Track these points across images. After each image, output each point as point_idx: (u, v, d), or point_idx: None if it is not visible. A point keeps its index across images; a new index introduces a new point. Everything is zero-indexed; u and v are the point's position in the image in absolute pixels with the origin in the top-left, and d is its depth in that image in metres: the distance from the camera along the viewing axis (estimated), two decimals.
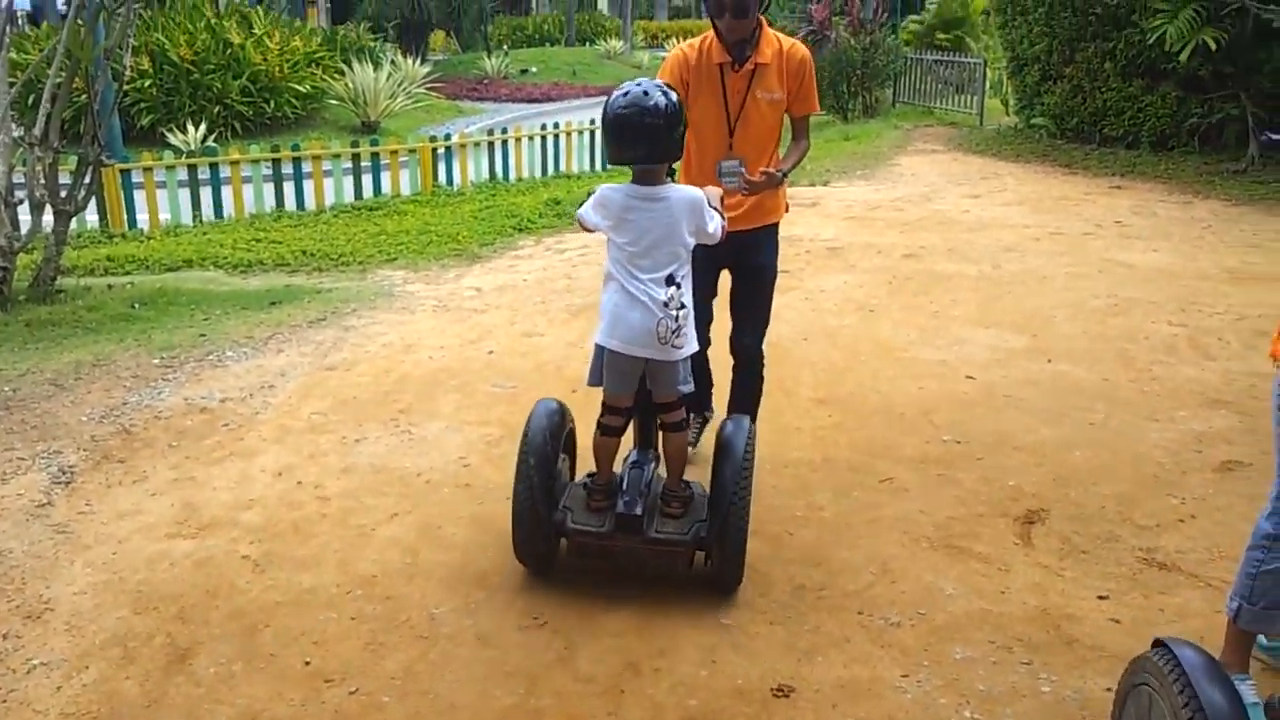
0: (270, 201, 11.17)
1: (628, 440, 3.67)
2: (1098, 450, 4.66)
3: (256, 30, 18.74)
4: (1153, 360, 5.83)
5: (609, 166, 14.35)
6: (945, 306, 6.93)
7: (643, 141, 3.22)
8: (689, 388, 3.48)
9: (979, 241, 8.86)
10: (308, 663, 3.13)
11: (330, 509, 4.12)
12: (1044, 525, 3.99)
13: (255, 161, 11.24)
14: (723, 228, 3.40)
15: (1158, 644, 2.38)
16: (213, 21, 18.44)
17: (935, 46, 21.23)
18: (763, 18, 3.88)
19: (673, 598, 3.47)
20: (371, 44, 23.09)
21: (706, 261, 3.84)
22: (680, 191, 3.34)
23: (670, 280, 3.28)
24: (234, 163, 11.01)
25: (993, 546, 3.83)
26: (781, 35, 4.02)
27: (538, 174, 13.64)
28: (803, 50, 4.02)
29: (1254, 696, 2.81)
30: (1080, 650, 3.20)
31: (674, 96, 3.24)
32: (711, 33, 3.91)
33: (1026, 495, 4.23)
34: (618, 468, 3.62)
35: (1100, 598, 3.49)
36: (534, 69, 31.43)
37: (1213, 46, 11.37)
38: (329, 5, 37.01)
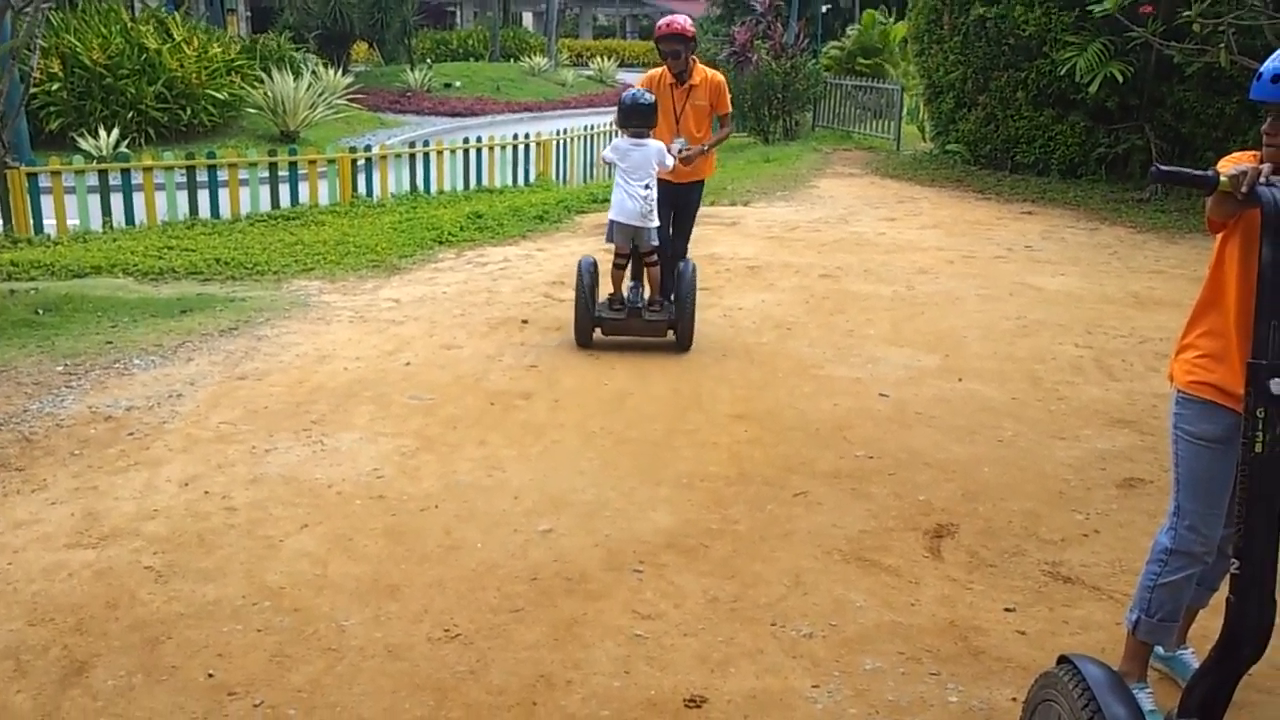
0: (184, 209, 10.94)
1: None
2: (1006, 467, 4.76)
3: (174, 36, 18.38)
4: (1060, 380, 5.98)
5: (531, 181, 14.38)
6: (860, 326, 7.04)
7: (638, 117, 6.17)
8: (656, 242, 6.33)
9: (894, 263, 9.02)
10: (211, 675, 3.05)
11: (237, 520, 4.03)
12: (953, 539, 4.06)
13: (169, 168, 11.01)
14: (674, 165, 6.25)
15: (1063, 659, 2.43)
16: (128, 26, 18.04)
17: (855, 72, 21.64)
18: (694, 58, 6.52)
19: (588, 611, 3.46)
20: (292, 53, 22.77)
21: (664, 206, 6.43)
22: (654, 142, 6.20)
23: (646, 186, 6.16)
24: (147, 169, 10.77)
25: (903, 560, 3.89)
26: (707, 68, 6.68)
27: (459, 187, 13.56)
28: (719, 76, 6.69)
29: (1151, 705, 2.90)
30: (987, 661, 3.25)
31: (652, 98, 6.25)
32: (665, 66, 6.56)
33: (937, 510, 4.30)
34: (625, 289, 6.52)
35: (1007, 610, 3.55)
36: (458, 83, 31.30)
37: (1119, 79, 11.76)
38: (249, 14, 36.50)
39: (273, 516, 4.07)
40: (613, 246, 6.39)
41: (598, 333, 6.48)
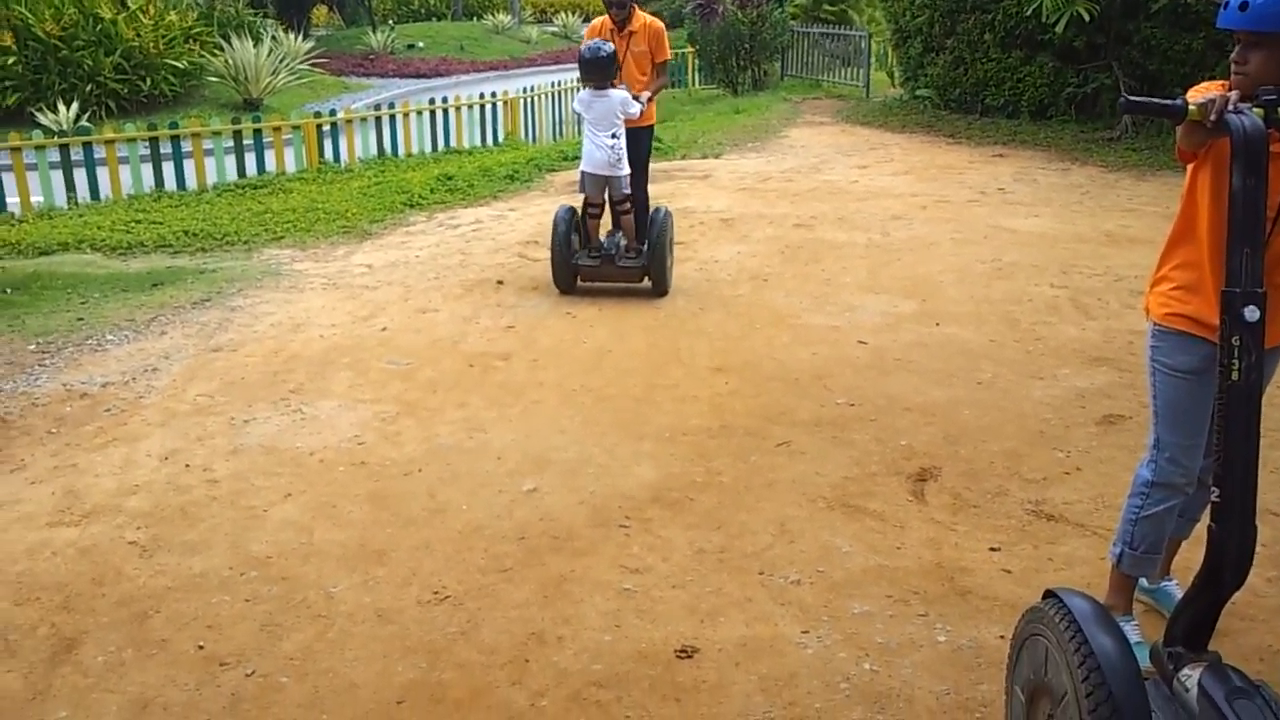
0: (149, 182, 10.76)
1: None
2: (986, 409, 4.79)
3: (129, 4, 18.01)
4: (1036, 321, 6.01)
5: (500, 140, 14.25)
6: (836, 274, 7.04)
7: (597, 69, 6.27)
8: (628, 190, 6.49)
9: (868, 210, 9.01)
10: (201, 647, 3.05)
11: (220, 491, 4.01)
12: (936, 482, 4.09)
13: (131, 140, 10.82)
14: (640, 111, 6.46)
15: (1049, 594, 2.45)
16: None
17: (821, 20, 21.48)
18: (634, 6, 6.70)
19: (575, 568, 3.47)
20: (251, 19, 22.35)
21: None
22: (616, 91, 6.36)
23: (613, 135, 6.33)
24: (109, 142, 10.58)
25: (887, 504, 3.91)
26: (646, 15, 6.85)
27: (428, 149, 13.41)
28: (658, 23, 6.88)
29: (1137, 636, 2.94)
30: (974, 601, 3.28)
31: (611, 48, 6.35)
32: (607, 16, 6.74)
33: (919, 454, 4.32)
34: (601, 237, 6.72)
35: (992, 550, 3.59)
36: (421, 44, 30.87)
37: (1086, 18, 11.72)
38: None
39: (255, 487, 4.06)
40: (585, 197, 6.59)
41: (578, 281, 6.68)
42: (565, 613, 3.22)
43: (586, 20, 43.77)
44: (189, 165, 11.00)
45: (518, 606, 3.26)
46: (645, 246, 6.61)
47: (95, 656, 3.01)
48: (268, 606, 3.26)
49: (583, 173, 6.50)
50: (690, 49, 21.39)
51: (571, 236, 6.56)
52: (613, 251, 6.64)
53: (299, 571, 3.46)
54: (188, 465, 4.24)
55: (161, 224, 9.02)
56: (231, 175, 11.33)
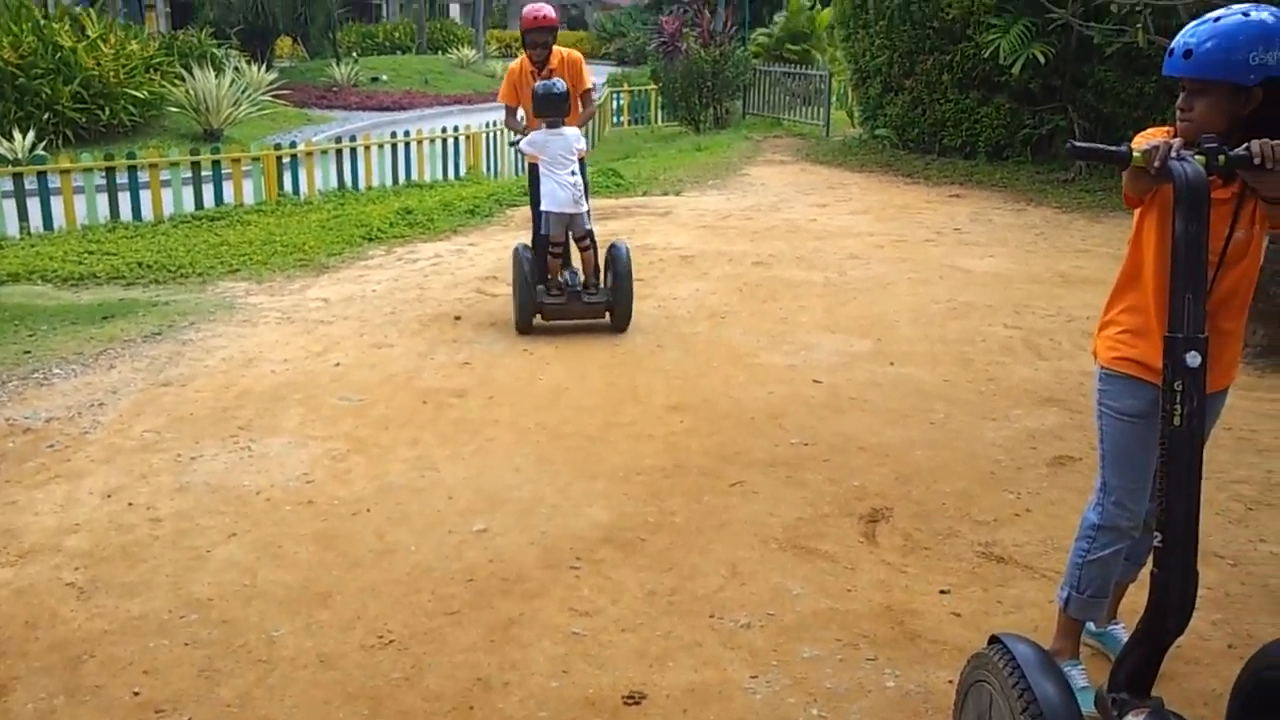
0: (105, 212, 10.65)
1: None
2: (938, 449, 4.80)
3: (90, 33, 17.89)
4: (989, 361, 6.05)
5: (462, 175, 14.24)
6: (793, 313, 7.06)
7: (553, 106, 6.28)
8: (589, 226, 6.57)
9: (826, 249, 9.07)
10: (136, 693, 2.97)
11: (163, 531, 3.94)
12: (888, 523, 4.08)
13: (88, 170, 10.70)
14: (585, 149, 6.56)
15: (994, 640, 2.44)
16: (40, 23, 17.51)
17: (783, 59, 21.70)
18: (554, 45, 6.69)
19: (524, 611, 3.43)
20: (214, 50, 22.25)
21: None
22: (569, 129, 6.39)
23: (572, 173, 6.34)
24: (65, 171, 10.46)
25: (839, 545, 3.90)
26: (562, 49, 6.73)
27: (388, 183, 13.37)
28: (575, 54, 6.81)
29: (1084, 681, 2.93)
30: (923, 644, 3.27)
31: (564, 86, 6.36)
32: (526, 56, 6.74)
33: (871, 494, 4.32)
34: (563, 275, 6.62)
35: (942, 592, 3.58)
36: (385, 77, 30.86)
37: (1042, 60, 11.92)
38: (169, 10, 35.66)
39: (199, 526, 3.98)
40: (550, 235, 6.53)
41: (537, 319, 6.58)
42: (512, 657, 3.18)
43: None
44: (145, 196, 10.89)
45: (464, 651, 3.21)
46: (603, 282, 6.62)
47: (25, 704, 2.92)
48: (207, 651, 3.18)
49: (545, 213, 6.42)
50: (653, 86, 21.53)
51: (535, 276, 6.50)
52: (578, 288, 6.60)
53: (240, 614, 3.39)
54: (131, 503, 4.16)
55: (115, 255, 8.92)
56: (189, 206, 11.23)
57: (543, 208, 6.44)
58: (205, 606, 3.43)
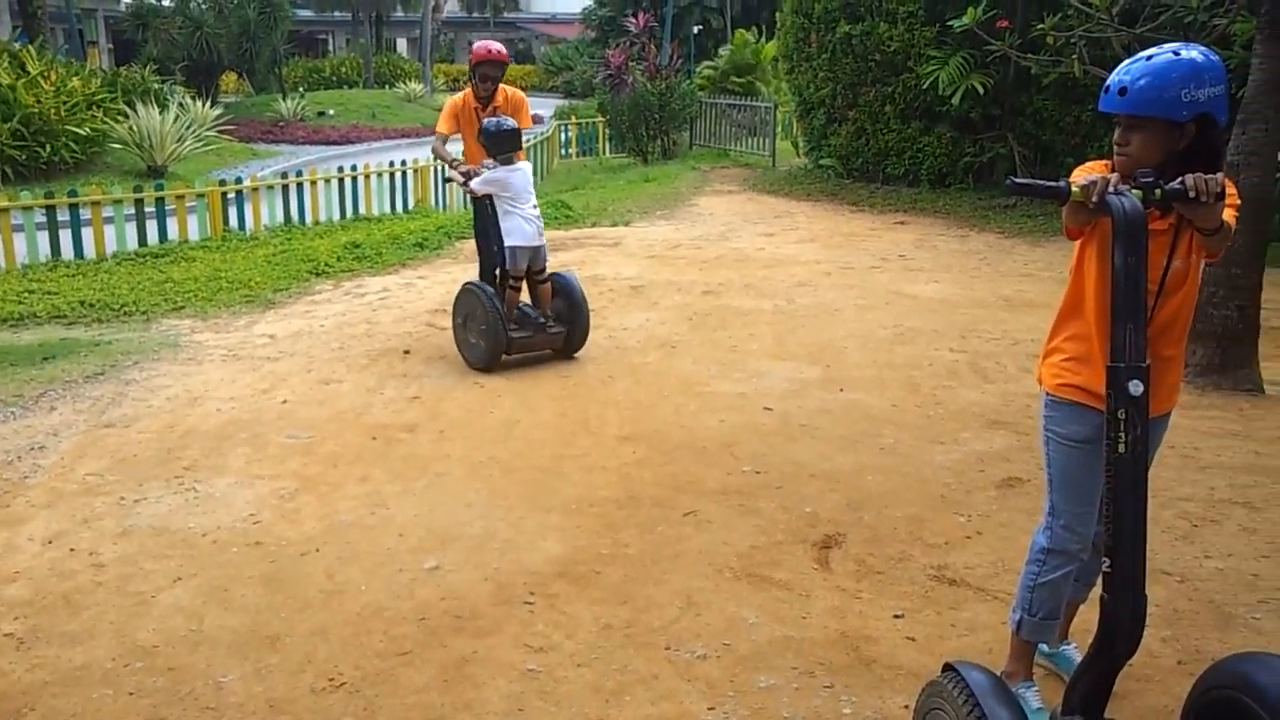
0: (46, 250, 10.46)
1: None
2: (888, 474, 4.83)
3: (29, 70, 17.64)
4: (937, 385, 6.11)
5: (410, 208, 14.18)
6: (743, 341, 7.10)
7: (508, 142, 6.36)
8: (549, 261, 6.70)
9: (774, 277, 9.13)
10: None
11: (106, 576, 3.85)
12: (841, 549, 4.10)
13: (27, 208, 10.52)
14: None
15: (948, 667, 2.46)
16: None
17: (729, 91, 21.94)
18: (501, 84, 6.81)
19: (478, 649, 3.39)
20: (157, 86, 22.05)
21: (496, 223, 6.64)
22: (524, 163, 6.58)
23: (534, 206, 6.49)
24: (3, 210, 10.28)
25: (793, 573, 3.90)
26: (506, 87, 6.88)
27: (336, 217, 13.28)
28: (519, 93, 7.01)
29: (1038, 703, 2.95)
30: (879, 670, 3.28)
31: (514, 123, 6.42)
32: (470, 90, 6.85)
33: (823, 521, 4.34)
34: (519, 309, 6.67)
35: (896, 617, 3.59)
36: (332, 111, 30.75)
37: (981, 90, 12.18)
38: (111, 46, 35.37)
39: (144, 571, 3.90)
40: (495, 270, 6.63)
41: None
42: (466, 697, 3.13)
43: None
44: (88, 233, 10.71)
45: (416, 692, 3.16)
46: (556, 313, 6.68)
47: None
48: (152, 700, 3.11)
49: (513, 248, 6.42)
50: (601, 118, 21.64)
51: (502, 312, 6.42)
52: (541, 321, 6.62)
53: (187, 661, 3.32)
54: (73, 549, 4.07)
55: (57, 294, 8.77)
56: (132, 244, 11.07)
57: (509, 243, 6.44)
58: (150, 654, 3.35)
